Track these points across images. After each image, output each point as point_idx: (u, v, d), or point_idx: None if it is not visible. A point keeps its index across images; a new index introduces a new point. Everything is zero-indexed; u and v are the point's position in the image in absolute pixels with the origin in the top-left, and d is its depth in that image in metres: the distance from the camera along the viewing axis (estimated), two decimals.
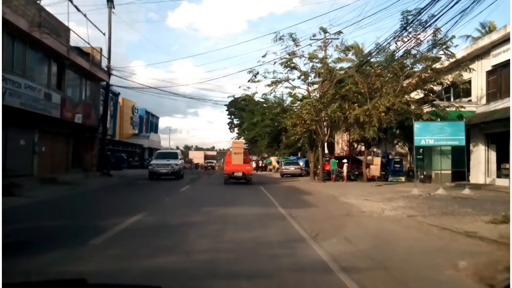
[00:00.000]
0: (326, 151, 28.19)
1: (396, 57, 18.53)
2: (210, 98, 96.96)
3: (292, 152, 42.67)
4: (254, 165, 51.18)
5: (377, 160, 21.79)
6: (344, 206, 10.58)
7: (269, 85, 20.75)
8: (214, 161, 66.84)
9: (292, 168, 29.61)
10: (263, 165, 47.20)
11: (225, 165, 19.51)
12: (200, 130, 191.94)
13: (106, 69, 21.96)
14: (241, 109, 55.12)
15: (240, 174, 18.31)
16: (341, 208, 10.14)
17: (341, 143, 36.21)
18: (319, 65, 20.20)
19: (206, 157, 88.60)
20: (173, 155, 22.89)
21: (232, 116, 62.88)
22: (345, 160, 23.04)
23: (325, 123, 21.02)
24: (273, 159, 43.97)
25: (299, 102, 21.88)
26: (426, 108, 18.89)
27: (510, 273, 3.43)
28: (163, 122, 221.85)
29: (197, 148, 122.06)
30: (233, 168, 18.36)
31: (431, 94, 19.65)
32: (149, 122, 70.58)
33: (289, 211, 9.03)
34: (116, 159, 37.15)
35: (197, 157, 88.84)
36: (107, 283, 2.74)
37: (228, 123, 64.73)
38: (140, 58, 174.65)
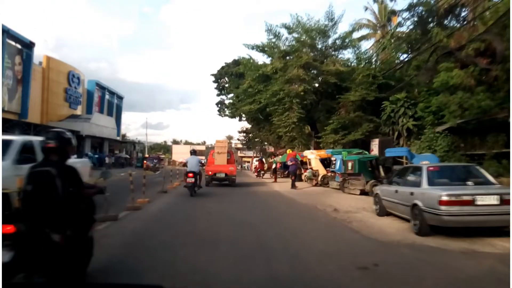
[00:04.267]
0: None
1: None
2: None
3: (346, 142, 21.53)
4: (272, 164, 27.73)
5: None
6: None
7: None
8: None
9: None
10: (276, 166, 25.09)
11: (207, 166, 19.15)
12: (193, 125, 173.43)
13: None
14: (237, 76, 34.74)
15: (222, 175, 17.76)
16: None
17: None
18: None
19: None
20: None
21: (223, 91, 42.56)
22: None
23: None
24: (312, 156, 19.99)
25: None
26: None
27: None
28: (155, 118, 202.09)
29: (187, 143, 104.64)
30: (216, 169, 17.85)
31: None
32: (104, 102, 49.86)
33: None
34: None
35: (182, 153, 69.64)
36: (107, 283, 2.87)
37: (217, 103, 44.42)
38: None
